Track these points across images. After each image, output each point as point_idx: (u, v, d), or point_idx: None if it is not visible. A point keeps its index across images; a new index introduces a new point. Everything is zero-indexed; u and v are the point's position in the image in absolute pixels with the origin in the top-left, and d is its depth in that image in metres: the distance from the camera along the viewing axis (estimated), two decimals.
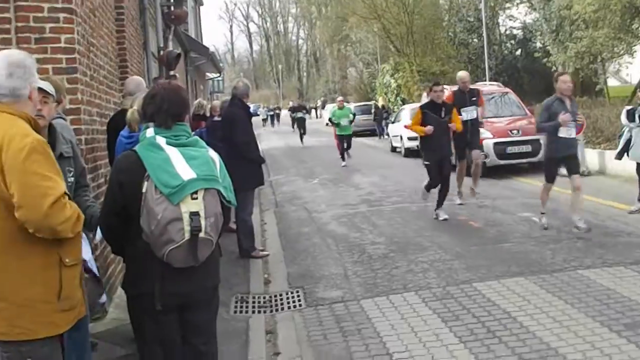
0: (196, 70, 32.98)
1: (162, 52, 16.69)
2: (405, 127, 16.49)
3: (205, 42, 42.23)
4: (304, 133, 40.81)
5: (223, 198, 4.69)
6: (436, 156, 13.93)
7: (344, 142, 26.87)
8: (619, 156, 14.11)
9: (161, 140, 4.62)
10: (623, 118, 13.68)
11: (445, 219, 13.74)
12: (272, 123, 73.34)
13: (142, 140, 4.69)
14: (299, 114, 43.22)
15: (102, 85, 9.34)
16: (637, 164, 13.57)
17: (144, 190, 4.44)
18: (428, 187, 14.42)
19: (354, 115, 28.61)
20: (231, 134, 11.34)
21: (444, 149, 14.06)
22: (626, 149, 13.67)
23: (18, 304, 3.96)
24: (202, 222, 4.47)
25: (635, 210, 13.31)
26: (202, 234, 4.48)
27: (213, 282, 4.96)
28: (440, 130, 13.80)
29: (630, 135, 13.53)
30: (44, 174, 3.93)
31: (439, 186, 14.11)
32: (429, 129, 13.67)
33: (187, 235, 4.43)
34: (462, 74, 16.08)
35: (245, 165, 11.04)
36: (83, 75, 7.95)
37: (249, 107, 11.91)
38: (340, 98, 29.63)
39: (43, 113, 4.95)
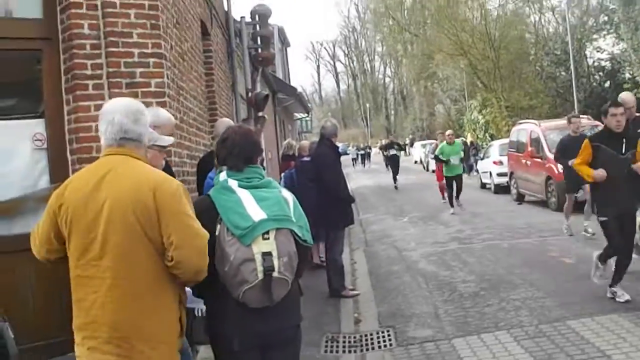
0: (284, 110, 33.35)
1: (250, 94, 16.97)
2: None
3: (293, 83, 42.73)
4: (397, 172, 37.37)
5: (298, 237, 4.71)
6: (614, 210, 9.64)
7: (452, 184, 23.22)
8: None
9: (233, 183, 4.70)
10: None
11: (627, 300, 9.67)
12: (363, 162, 72.21)
13: (216, 184, 4.79)
14: (392, 151, 39.19)
15: (192, 127, 9.58)
16: None
17: (217, 232, 4.50)
18: (604, 256, 10.22)
19: (465, 151, 27.01)
20: (321, 174, 11.48)
21: (626, 200, 9.64)
22: None
23: (157, 340, 4.14)
24: (275, 262, 4.51)
25: None
26: (275, 274, 4.51)
27: (293, 321, 4.96)
28: (619, 171, 9.47)
29: None
30: (194, 217, 4.17)
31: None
32: (600, 173, 9.48)
33: (260, 276, 4.46)
34: (625, 95, 11.87)
35: (335, 204, 11.15)
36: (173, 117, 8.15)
37: (338, 147, 12.04)
38: (450, 132, 25.03)
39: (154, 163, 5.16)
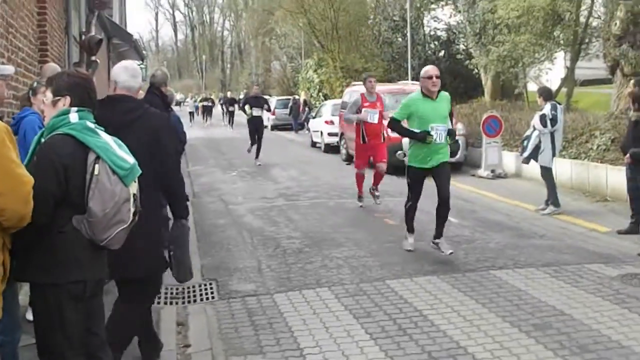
0: (119, 56, 32.37)
1: (83, 37, 16.35)
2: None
3: (130, 29, 41.66)
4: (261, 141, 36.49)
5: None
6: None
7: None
8: (527, 160, 14.26)
9: (91, 125, 4.67)
10: (537, 123, 13.76)
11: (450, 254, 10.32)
12: (204, 117, 57.71)
13: (62, 125, 4.58)
14: (256, 111, 38.58)
15: (20, 67, 9.11)
16: (542, 167, 13.77)
17: (96, 172, 4.46)
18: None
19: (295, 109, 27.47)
20: None
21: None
22: (535, 154, 13.81)
23: None
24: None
25: (548, 212, 13.51)
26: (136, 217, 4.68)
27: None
28: None
29: (539, 141, 13.67)
30: (18, 163, 3.93)
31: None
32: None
33: (131, 217, 4.60)
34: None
35: None
36: (0, 56, 7.73)
37: (167, 96, 11.68)
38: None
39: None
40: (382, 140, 15.07)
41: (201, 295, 9.05)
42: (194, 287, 9.36)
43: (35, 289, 4.66)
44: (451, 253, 10.23)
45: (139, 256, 5.72)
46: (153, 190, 5.86)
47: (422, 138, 10.24)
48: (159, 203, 6.17)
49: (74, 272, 4.57)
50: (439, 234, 10.55)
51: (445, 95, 10.79)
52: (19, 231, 4.19)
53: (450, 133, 10.68)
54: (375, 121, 14.61)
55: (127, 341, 6.14)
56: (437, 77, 10.38)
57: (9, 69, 5.34)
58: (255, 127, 24.58)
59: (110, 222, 4.50)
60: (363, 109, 14.40)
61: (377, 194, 14.99)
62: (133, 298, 6.07)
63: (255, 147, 24.53)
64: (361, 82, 16.86)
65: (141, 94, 14.48)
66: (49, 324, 4.61)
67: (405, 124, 10.70)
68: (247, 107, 24.83)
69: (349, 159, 24.69)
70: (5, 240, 4.15)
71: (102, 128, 4.76)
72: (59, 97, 4.68)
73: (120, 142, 4.75)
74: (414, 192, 10.82)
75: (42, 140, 4.63)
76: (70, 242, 4.52)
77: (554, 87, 28.14)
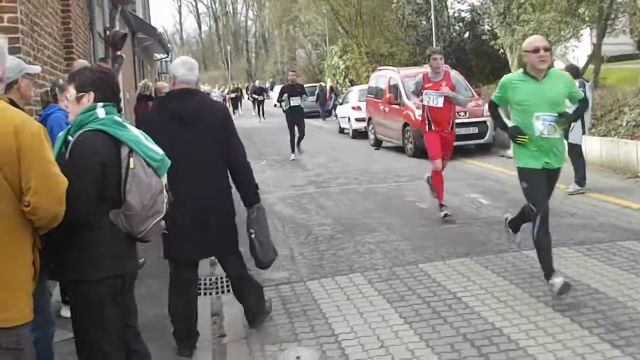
0: (143, 51, 32.61)
1: (108, 33, 16.44)
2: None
3: (154, 23, 41.87)
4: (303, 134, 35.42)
5: None
6: None
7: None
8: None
9: (120, 119, 4.69)
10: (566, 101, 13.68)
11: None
12: (234, 109, 53.94)
13: (92, 121, 4.58)
14: (294, 101, 36.86)
15: (46, 65, 9.18)
16: (570, 144, 13.67)
17: (132, 166, 4.49)
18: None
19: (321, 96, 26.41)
20: None
21: None
22: (565, 132, 13.72)
23: (15, 287, 3.88)
24: None
25: (572, 190, 13.44)
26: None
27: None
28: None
29: None
30: (54, 163, 3.96)
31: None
32: None
33: (165, 207, 4.67)
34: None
35: None
36: (26, 55, 7.81)
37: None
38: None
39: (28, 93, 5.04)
40: (449, 129, 12.28)
41: None
42: (227, 277, 9.41)
43: (74, 287, 4.69)
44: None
45: (228, 237, 6.95)
46: (226, 178, 6.86)
47: (511, 136, 7.94)
48: (228, 185, 6.94)
49: (113, 266, 4.60)
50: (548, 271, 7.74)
51: (558, 74, 8.32)
52: (55, 230, 4.21)
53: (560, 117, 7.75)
54: (440, 105, 12.00)
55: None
56: (545, 50, 7.61)
57: (36, 69, 5.39)
58: (295, 119, 22.11)
59: (148, 213, 4.54)
60: (424, 91, 12.14)
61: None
62: (235, 269, 7.11)
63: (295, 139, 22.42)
64: (387, 67, 16.65)
65: (160, 85, 14.64)
66: (89, 320, 4.63)
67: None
68: (284, 97, 22.45)
69: (377, 144, 24.73)
70: (36, 240, 4.16)
71: (128, 121, 4.79)
72: (82, 93, 4.68)
73: (146, 135, 4.76)
74: (535, 200, 7.82)
75: (70, 137, 4.60)
76: (108, 237, 4.54)
77: (580, 64, 27.95)
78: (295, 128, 22.29)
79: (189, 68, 6.68)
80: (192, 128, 6.39)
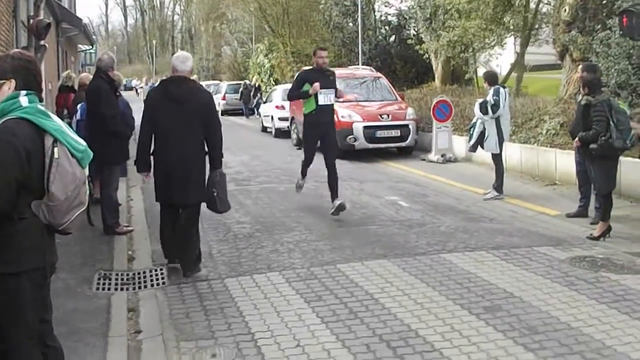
0: (68, 41, 32.02)
1: (32, 21, 16.08)
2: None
3: (79, 13, 41.31)
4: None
5: None
6: None
7: None
8: (473, 148, 14.37)
9: (43, 108, 4.56)
10: (477, 111, 13.87)
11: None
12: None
13: (15, 109, 4.43)
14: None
15: None
16: (492, 154, 13.88)
17: (56, 155, 4.36)
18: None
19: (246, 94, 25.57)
20: (94, 108, 11.03)
21: None
22: (480, 141, 13.90)
23: None
24: None
25: (490, 197, 13.62)
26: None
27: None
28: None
29: (484, 128, 13.76)
30: None
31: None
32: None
33: (87, 199, 4.57)
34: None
35: (110, 139, 10.76)
36: None
37: (114, 81, 11.47)
38: None
39: None
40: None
41: (152, 280, 8.96)
42: (144, 272, 9.29)
43: None
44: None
45: (200, 189, 8.96)
46: (202, 146, 8.98)
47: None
48: (204, 154, 9.06)
49: (35, 258, 4.48)
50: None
51: None
52: None
53: None
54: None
55: (199, 253, 9.22)
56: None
57: None
58: None
59: (71, 205, 4.42)
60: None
61: None
62: (192, 218, 9.09)
63: None
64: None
65: (84, 77, 14.42)
66: (9, 313, 4.49)
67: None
68: None
69: (299, 144, 24.68)
70: None
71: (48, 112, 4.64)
72: (3, 81, 4.53)
73: (69, 126, 4.64)
74: None
75: None
76: (30, 228, 4.42)
77: (504, 72, 28.35)
78: None
79: (181, 61, 8.97)
80: (182, 106, 8.71)
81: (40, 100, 4.67)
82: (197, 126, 8.81)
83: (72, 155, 4.46)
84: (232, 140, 23.64)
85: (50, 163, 4.36)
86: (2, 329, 4.53)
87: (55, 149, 4.39)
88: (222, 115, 41.59)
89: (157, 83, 11.43)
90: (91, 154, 4.65)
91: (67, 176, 4.39)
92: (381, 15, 42.87)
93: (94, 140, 9.93)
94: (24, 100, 4.48)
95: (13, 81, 4.53)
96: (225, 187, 9.29)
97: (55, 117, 4.60)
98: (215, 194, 9.00)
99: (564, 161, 14.68)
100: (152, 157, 9.06)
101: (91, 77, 14.10)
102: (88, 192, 4.58)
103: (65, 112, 14.75)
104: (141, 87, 74.36)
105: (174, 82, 8.93)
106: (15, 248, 4.41)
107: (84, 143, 4.61)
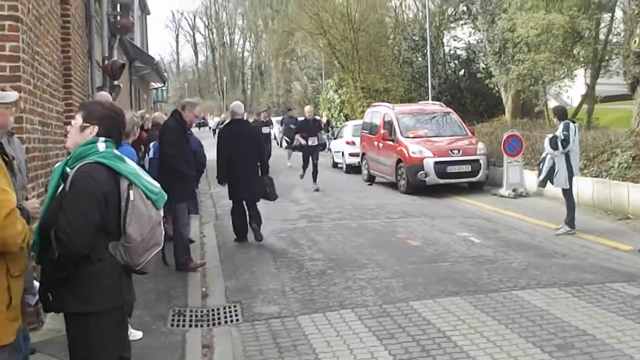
0: (140, 79, 32.72)
1: (106, 62, 16.53)
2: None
3: (151, 52, 42.06)
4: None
5: None
6: None
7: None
8: (543, 184, 14.23)
9: (118, 153, 4.75)
10: (547, 146, 13.79)
11: None
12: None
13: (92, 154, 4.63)
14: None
15: (45, 93, 9.25)
16: (562, 189, 13.80)
17: (131, 198, 4.54)
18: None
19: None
20: (162, 146, 11.37)
21: None
22: (550, 176, 13.80)
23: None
24: None
25: (562, 232, 13.53)
26: None
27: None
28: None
29: (553, 163, 13.66)
30: (4, 189, 3.99)
31: None
32: None
33: (163, 239, 4.75)
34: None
35: (174, 177, 10.92)
36: (26, 83, 7.86)
37: (185, 122, 11.65)
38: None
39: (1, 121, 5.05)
40: None
41: (226, 317, 9.13)
42: (218, 309, 9.45)
43: (74, 320, 4.65)
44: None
45: (258, 189, 13.96)
46: (255, 163, 13.88)
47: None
48: (257, 169, 13.93)
49: (114, 299, 4.65)
50: None
51: None
52: (56, 262, 4.27)
53: None
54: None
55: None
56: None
57: (12, 96, 5.39)
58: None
59: (147, 245, 4.59)
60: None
61: None
62: (254, 207, 14.11)
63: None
64: (382, 103, 16.89)
65: (157, 116, 14.81)
66: (89, 354, 4.64)
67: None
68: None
69: (370, 179, 24.78)
70: (9, 267, 4.22)
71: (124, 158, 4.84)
72: (87, 125, 4.73)
73: (144, 170, 4.82)
74: None
75: (67, 169, 4.63)
76: (108, 269, 4.58)
77: (574, 104, 28.07)
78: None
79: (238, 107, 14.47)
80: (242, 138, 13.65)
81: (117, 148, 4.88)
82: (253, 151, 13.80)
83: (147, 197, 4.62)
84: (305, 177, 23.75)
85: (126, 205, 4.53)
86: None
87: (131, 192, 4.55)
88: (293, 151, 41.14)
89: (227, 122, 16.22)
90: (165, 196, 4.80)
91: (143, 218, 4.55)
92: (450, 50, 42.86)
93: (162, 178, 10.33)
94: (101, 145, 4.67)
95: (96, 127, 4.72)
96: (274, 183, 14.34)
97: (129, 161, 4.76)
98: (267, 188, 14.11)
99: (637, 195, 14.55)
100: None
101: (164, 116, 14.59)
102: (164, 233, 4.73)
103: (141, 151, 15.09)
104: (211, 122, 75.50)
105: (235, 123, 14.22)
106: (94, 288, 4.56)
107: (158, 185, 4.77)
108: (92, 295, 4.57)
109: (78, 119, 4.77)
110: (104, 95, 9.66)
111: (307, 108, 25.53)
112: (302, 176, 23.29)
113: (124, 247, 4.56)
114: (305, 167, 23.22)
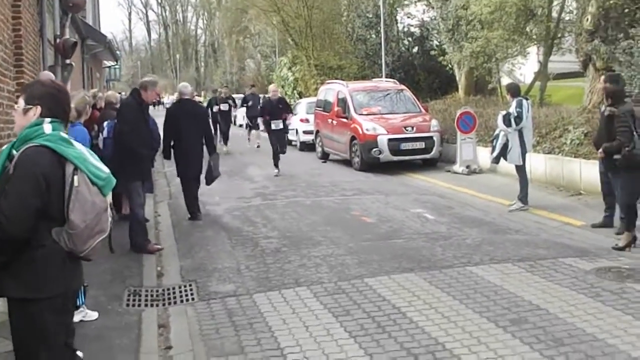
0: (93, 58, 32.28)
1: (58, 40, 16.28)
2: None
3: (103, 30, 41.45)
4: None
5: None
6: None
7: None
8: (497, 160, 14.33)
9: (65, 136, 4.63)
10: (500, 123, 13.90)
11: None
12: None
13: (37, 136, 4.52)
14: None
15: None
16: (515, 165, 13.92)
17: (76, 184, 4.43)
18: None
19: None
20: (119, 125, 11.28)
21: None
22: (503, 153, 13.90)
23: None
24: None
25: (515, 208, 13.65)
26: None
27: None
28: None
29: (507, 139, 13.76)
30: None
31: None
32: None
33: (109, 226, 4.63)
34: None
35: (129, 157, 10.81)
36: None
37: (144, 100, 11.53)
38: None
39: None
40: None
41: (181, 296, 9.09)
42: (173, 288, 9.41)
43: (16, 305, 4.58)
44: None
45: (200, 165, 14.13)
46: (201, 141, 14.07)
47: None
48: (202, 146, 14.15)
49: (56, 285, 4.55)
50: None
51: None
52: None
53: None
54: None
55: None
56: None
57: None
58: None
59: (92, 232, 4.49)
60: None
61: None
62: (195, 184, 14.25)
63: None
64: (336, 81, 16.70)
65: (110, 95, 14.73)
66: (32, 338, 4.58)
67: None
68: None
69: (324, 157, 24.76)
70: None
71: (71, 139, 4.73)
72: (29, 106, 4.62)
73: (93, 152, 4.72)
74: None
75: (14, 151, 4.52)
76: (50, 255, 4.48)
77: (527, 81, 28.25)
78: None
79: (185, 87, 14.91)
80: (191, 117, 13.96)
81: (66, 128, 4.78)
82: (200, 130, 14.14)
83: (93, 183, 4.51)
84: (256, 154, 23.70)
85: (70, 191, 4.43)
86: (30, 354, 4.62)
87: (75, 177, 4.45)
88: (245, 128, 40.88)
89: (174, 102, 16.69)
90: (114, 182, 4.69)
91: (87, 204, 4.45)
92: (404, 27, 42.89)
93: (117, 157, 10.15)
94: (47, 127, 4.56)
95: (39, 108, 4.61)
96: (218, 160, 14.67)
97: (77, 144, 4.65)
98: (211, 163, 14.31)
99: (589, 171, 14.68)
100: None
101: (117, 94, 14.58)
102: (110, 219, 4.64)
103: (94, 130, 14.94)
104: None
105: (185, 102, 14.51)
106: (36, 274, 4.49)
107: (107, 170, 4.65)
108: (33, 281, 4.49)
109: (20, 102, 4.66)
110: (46, 74, 9.49)
111: (272, 87, 23.93)
112: (276, 174, 20.68)
113: (67, 234, 4.46)
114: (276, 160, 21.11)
